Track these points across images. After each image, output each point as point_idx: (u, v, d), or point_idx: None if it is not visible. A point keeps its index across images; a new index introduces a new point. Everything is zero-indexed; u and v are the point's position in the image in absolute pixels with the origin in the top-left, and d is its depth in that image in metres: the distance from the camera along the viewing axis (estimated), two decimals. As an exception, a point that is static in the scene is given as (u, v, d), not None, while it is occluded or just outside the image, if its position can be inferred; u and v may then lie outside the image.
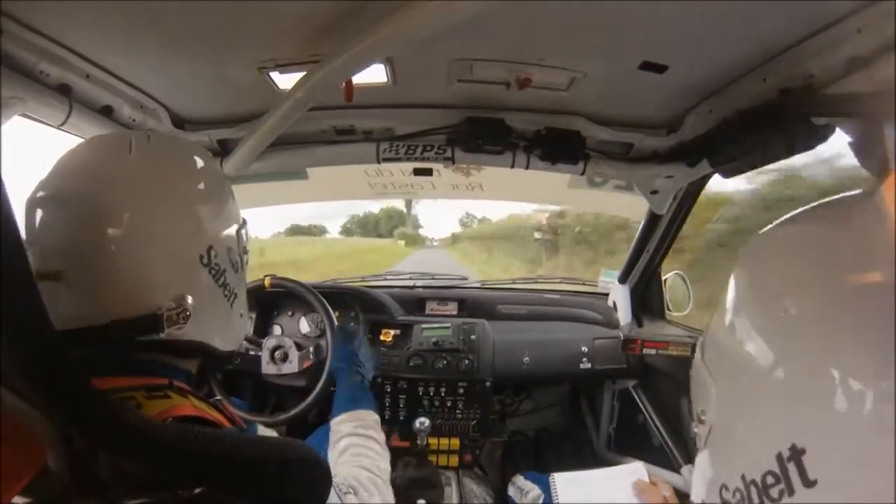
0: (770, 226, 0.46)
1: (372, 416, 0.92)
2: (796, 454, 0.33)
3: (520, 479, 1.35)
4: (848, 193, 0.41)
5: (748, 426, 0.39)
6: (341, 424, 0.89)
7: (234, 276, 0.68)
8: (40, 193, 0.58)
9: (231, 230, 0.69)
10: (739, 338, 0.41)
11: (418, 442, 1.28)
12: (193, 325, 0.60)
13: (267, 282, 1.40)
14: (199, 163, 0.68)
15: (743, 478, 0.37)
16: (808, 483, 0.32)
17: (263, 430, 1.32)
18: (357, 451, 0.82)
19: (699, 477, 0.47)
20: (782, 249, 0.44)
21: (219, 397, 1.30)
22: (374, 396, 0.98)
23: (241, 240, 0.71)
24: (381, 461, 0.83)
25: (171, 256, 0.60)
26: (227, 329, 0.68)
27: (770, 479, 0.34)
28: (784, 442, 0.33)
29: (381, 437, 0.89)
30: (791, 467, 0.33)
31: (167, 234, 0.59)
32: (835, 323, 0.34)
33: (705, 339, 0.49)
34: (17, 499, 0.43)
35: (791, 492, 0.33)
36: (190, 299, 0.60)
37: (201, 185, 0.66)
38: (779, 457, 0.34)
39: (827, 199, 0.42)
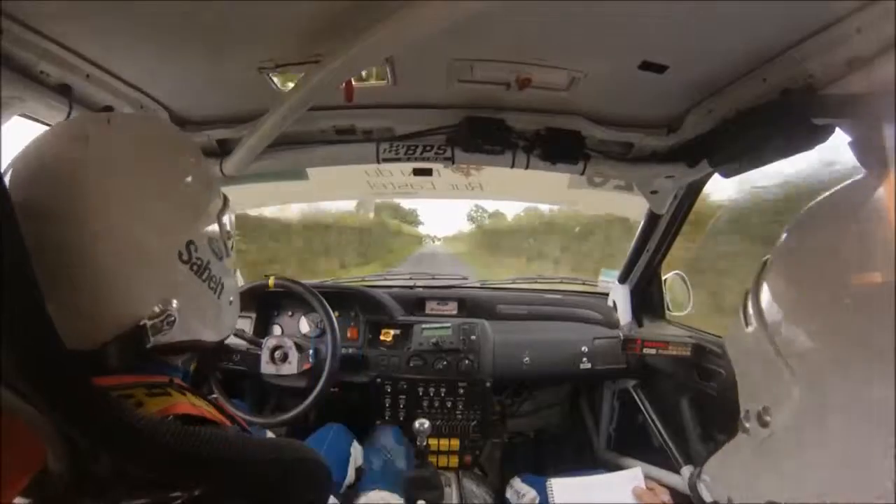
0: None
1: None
2: None
3: (517, 482, 1.34)
4: None
5: (846, 447, 0.32)
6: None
7: (219, 265, 0.64)
8: None
9: (212, 217, 0.64)
10: (848, 349, 0.34)
11: (418, 443, 1.27)
12: (180, 327, 0.58)
13: (271, 282, 1.42)
14: (171, 144, 0.63)
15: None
16: None
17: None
18: None
19: (731, 480, 0.41)
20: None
21: (215, 395, 1.31)
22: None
23: (224, 224, 0.66)
24: None
25: (146, 261, 0.55)
26: (216, 321, 0.65)
27: None
28: None
29: None
30: None
31: (139, 238, 0.54)
32: None
33: (766, 317, 0.42)
34: (16, 499, 0.43)
35: None
36: (174, 302, 0.56)
37: (174, 172, 0.61)
38: None
39: None
